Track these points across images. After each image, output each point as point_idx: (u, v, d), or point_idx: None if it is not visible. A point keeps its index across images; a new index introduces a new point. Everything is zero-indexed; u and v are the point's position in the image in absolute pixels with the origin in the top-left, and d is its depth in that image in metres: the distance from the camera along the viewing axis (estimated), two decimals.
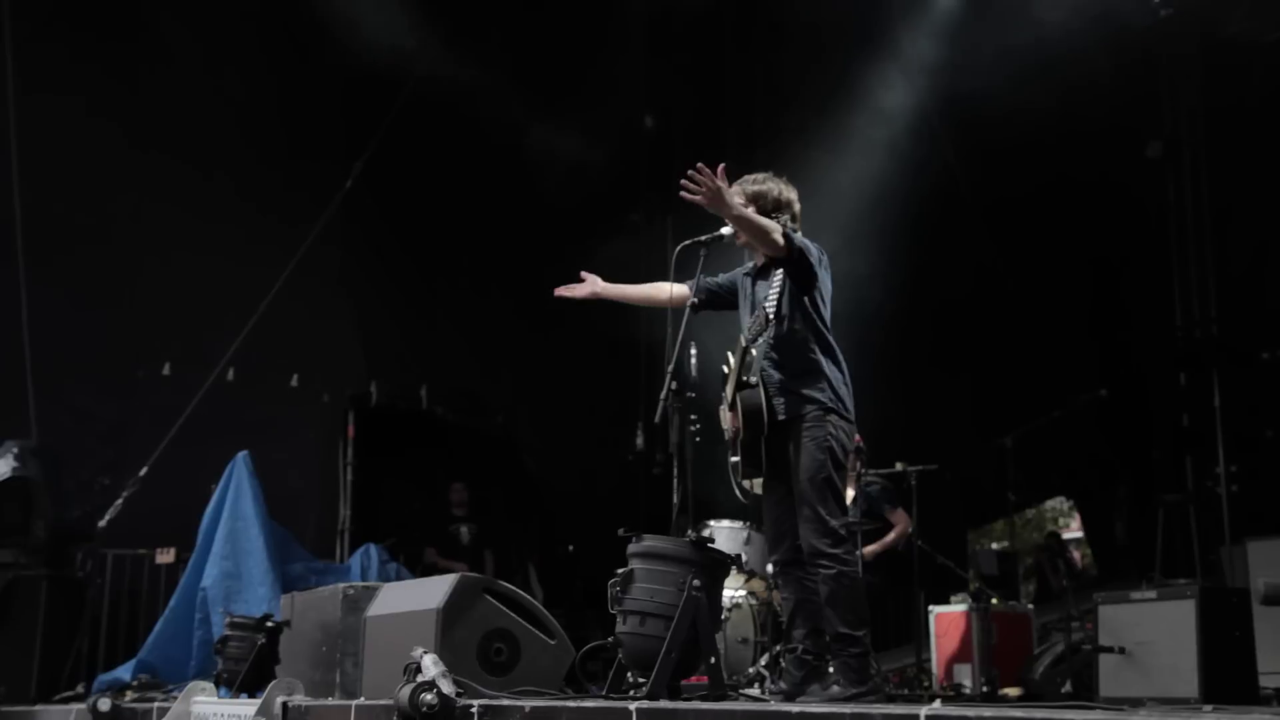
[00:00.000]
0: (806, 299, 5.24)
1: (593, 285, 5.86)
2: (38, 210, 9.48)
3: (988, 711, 3.24)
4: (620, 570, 5.08)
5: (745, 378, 5.27)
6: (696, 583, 4.84)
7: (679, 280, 5.63)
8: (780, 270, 5.21)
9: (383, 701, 5.05)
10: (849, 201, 9.40)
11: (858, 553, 5.12)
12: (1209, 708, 5.33)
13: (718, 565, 5.12)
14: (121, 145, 9.82)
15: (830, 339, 5.27)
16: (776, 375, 5.25)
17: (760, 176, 5.50)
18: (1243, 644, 5.91)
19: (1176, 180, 10.39)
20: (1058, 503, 16.02)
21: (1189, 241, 10.23)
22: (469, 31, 10.68)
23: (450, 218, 10.97)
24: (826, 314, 5.29)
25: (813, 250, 5.23)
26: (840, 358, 5.29)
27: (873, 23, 10.40)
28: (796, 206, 5.46)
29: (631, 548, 5.09)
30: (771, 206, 5.38)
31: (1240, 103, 9.95)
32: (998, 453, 8.57)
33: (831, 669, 5.13)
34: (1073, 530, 15.92)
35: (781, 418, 5.19)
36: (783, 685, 5.34)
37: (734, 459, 5.31)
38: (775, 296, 5.19)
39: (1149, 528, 9.46)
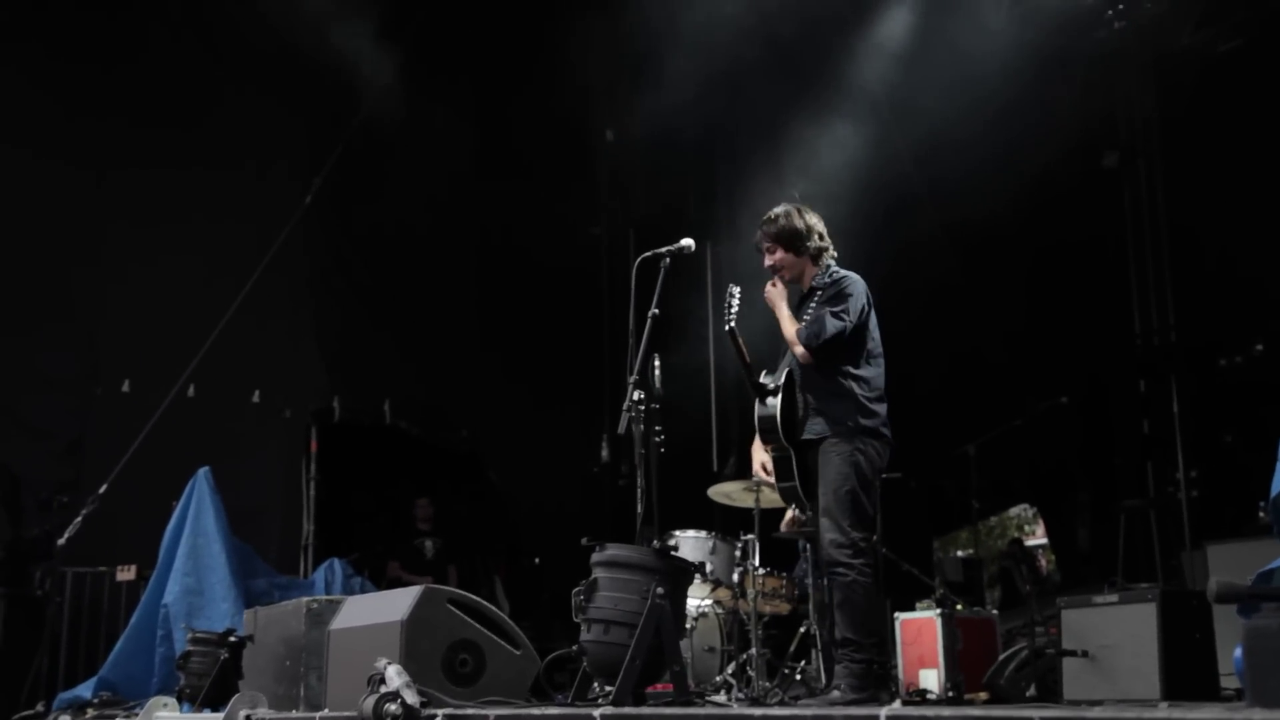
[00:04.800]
0: None
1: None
2: None
3: (946, 711, 3.26)
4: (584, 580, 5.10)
5: (760, 380, 5.56)
6: (660, 590, 4.87)
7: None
8: (815, 299, 5.57)
9: (347, 714, 5.02)
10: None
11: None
12: (1165, 704, 5.38)
13: (681, 573, 5.15)
14: (79, 164, 9.75)
15: (866, 364, 5.49)
16: (808, 398, 5.50)
17: (778, 213, 5.71)
18: (1204, 646, 5.96)
19: (1133, 189, 10.51)
20: (1021, 510, 16.13)
21: (1146, 250, 10.34)
22: (429, 46, 10.67)
23: (411, 232, 10.93)
24: (868, 343, 5.52)
25: (850, 315, 5.44)
26: (874, 381, 5.50)
27: (826, 53, 10.52)
28: (819, 227, 5.69)
29: (595, 556, 5.12)
30: (792, 238, 5.62)
31: (1194, 112, 10.08)
32: (961, 461, 8.64)
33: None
34: (1037, 537, 16.02)
35: (809, 438, 5.45)
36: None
37: (787, 484, 5.54)
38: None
39: (1111, 533, 9.53)
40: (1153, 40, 10.33)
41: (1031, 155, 9.86)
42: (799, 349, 5.46)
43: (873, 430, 5.43)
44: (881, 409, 5.50)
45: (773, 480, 5.68)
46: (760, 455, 5.80)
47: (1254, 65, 9.50)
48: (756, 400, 5.58)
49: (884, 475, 7.67)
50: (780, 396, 5.51)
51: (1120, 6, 10.16)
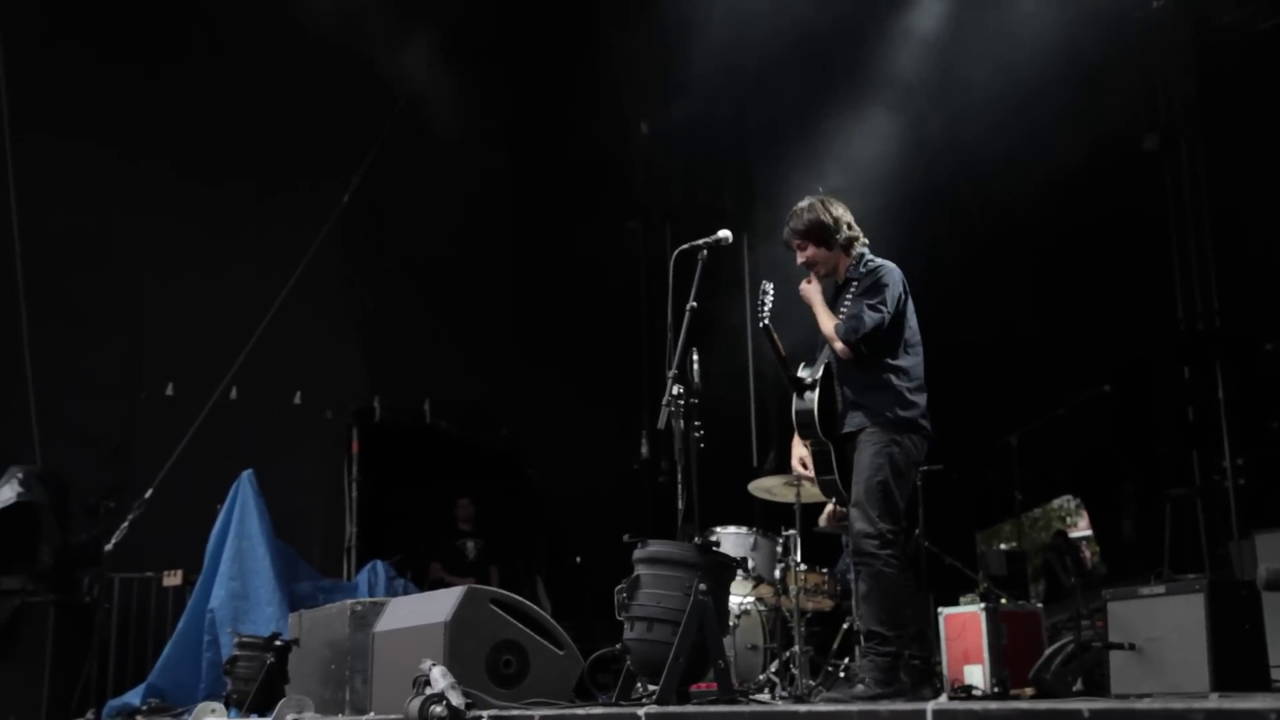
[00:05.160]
0: None
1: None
2: (37, 234, 9.46)
3: (993, 705, 3.24)
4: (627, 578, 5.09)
5: (797, 374, 5.56)
6: (703, 586, 4.86)
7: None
8: (851, 290, 5.52)
9: (393, 716, 5.05)
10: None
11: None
12: (1214, 695, 5.32)
13: (723, 569, 5.13)
14: (120, 167, 9.82)
15: (905, 354, 5.44)
16: (846, 391, 5.46)
17: (802, 208, 5.64)
18: (1253, 637, 5.88)
19: (1174, 172, 10.37)
20: (1064, 501, 15.97)
21: (1188, 233, 10.21)
22: (464, 40, 10.69)
23: (450, 230, 10.96)
24: (905, 332, 5.46)
25: (888, 305, 5.39)
26: (913, 371, 5.45)
27: (860, 40, 10.47)
28: (847, 217, 5.62)
29: (637, 553, 5.11)
30: (821, 232, 5.56)
31: (1236, 92, 9.93)
32: (1003, 452, 8.56)
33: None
34: (1080, 529, 15.87)
35: (849, 431, 5.41)
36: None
37: (827, 478, 5.51)
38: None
39: (1157, 523, 9.42)
40: (1192, 18, 10.18)
41: (1071, 138, 9.77)
42: (838, 345, 5.40)
43: (911, 422, 5.37)
44: (921, 399, 5.44)
45: (812, 474, 5.66)
46: (799, 450, 5.78)
47: None
48: (794, 395, 5.54)
49: (925, 468, 7.67)
50: (818, 391, 5.47)
51: None
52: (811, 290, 5.57)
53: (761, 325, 5.46)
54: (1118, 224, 10.42)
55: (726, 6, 10.23)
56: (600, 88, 11.21)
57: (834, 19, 10.11)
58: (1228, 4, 9.97)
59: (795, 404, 5.53)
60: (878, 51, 10.53)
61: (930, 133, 10.53)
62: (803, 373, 5.58)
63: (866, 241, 5.68)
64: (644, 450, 11.16)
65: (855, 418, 5.42)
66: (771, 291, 5.46)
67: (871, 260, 5.60)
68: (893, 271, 5.51)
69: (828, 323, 5.47)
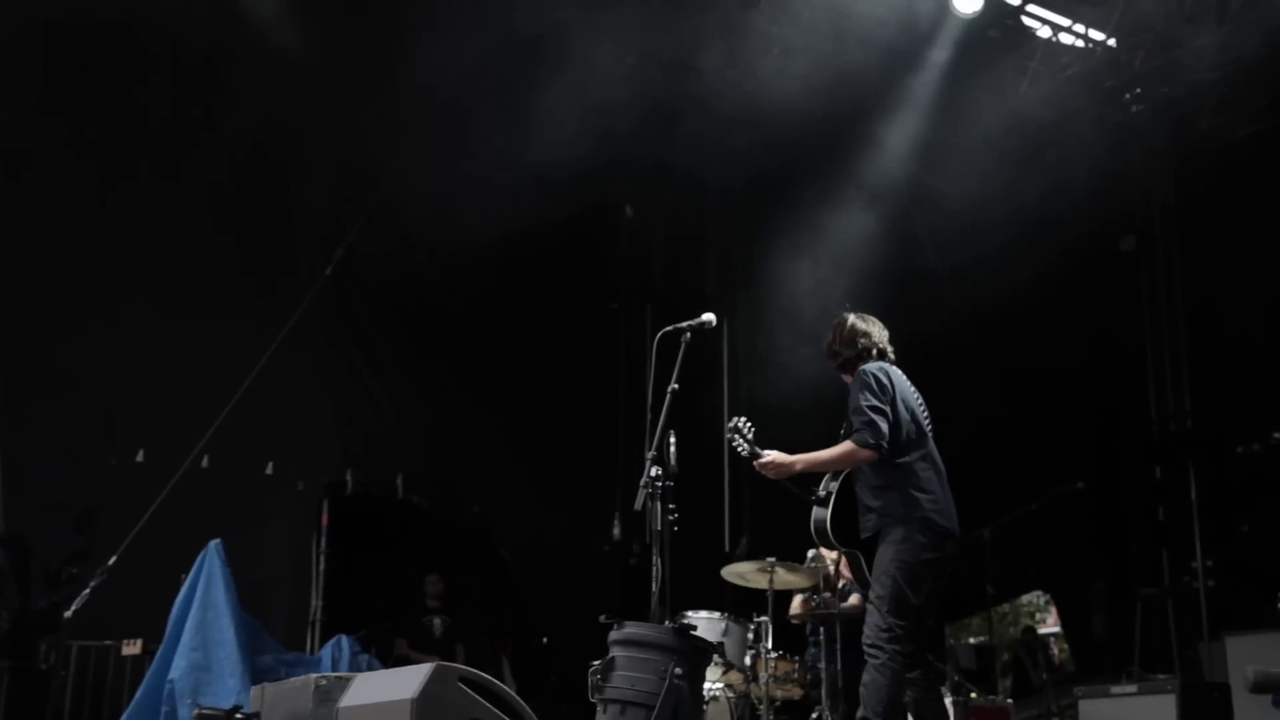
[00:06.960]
0: None
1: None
2: (10, 297, 9.40)
3: None
4: (599, 659, 5.04)
5: (815, 490, 5.70)
6: (679, 670, 4.81)
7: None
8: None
9: None
10: (825, 292, 9.49)
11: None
12: None
13: (700, 653, 5.08)
14: (95, 233, 9.77)
15: (908, 453, 5.49)
16: (862, 497, 5.56)
17: (832, 329, 5.81)
18: None
19: (1150, 273, 10.53)
20: (1034, 597, 15.98)
21: (1163, 334, 10.35)
22: (447, 119, 10.78)
23: (429, 306, 10.97)
24: (901, 432, 5.49)
25: (881, 408, 5.45)
26: (913, 467, 5.48)
27: (847, 140, 10.65)
28: (863, 327, 5.77)
29: (613, 635, 5.07)
30: (841, 349, 5.75)
31: (1212, 196, 10.14)
32: (975, 544, 8.58)
33: None
34: (1048, 625, 15.84)
35: (866, 535, 5.52)
36: None
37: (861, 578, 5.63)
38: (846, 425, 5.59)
39: (1127, 622, 9.43)
40: (1171, 124, 10.40)
41: (1049, 238, 9.91)
42: (864, 454, 5.44)
43: (921, 519, 5.43)
44: (928, 496, 5.48)
45: (848, 575, 5.73)
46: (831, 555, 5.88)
47: (1272, 150, 9.56)
48: (812, 507, 5.69)
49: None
50: (831, 502, 5.62)
51: (1138, 90, 10.25)
52: (782, 465, 5.57)
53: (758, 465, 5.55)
54: (1094, 323, 10.56)
55: (712, 95, 10.39)
56: (585, 171, 11.29)
57: (820, 113, 10.27)
58: (1205, 111, 10.21)
59: (813, 515, 5.67)
60: (860, 148, 10.70)
61: (912, 229, 10.68)
62: (825, 485, 5.70)
63: (882, 356, 5.75)
64: (616, 532, 11.10)
65: (869, 520, 5.52)
66: (746, 425, 5.54)
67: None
68: (855, 379, 5.61)
69: (836, 451, 5.52)
